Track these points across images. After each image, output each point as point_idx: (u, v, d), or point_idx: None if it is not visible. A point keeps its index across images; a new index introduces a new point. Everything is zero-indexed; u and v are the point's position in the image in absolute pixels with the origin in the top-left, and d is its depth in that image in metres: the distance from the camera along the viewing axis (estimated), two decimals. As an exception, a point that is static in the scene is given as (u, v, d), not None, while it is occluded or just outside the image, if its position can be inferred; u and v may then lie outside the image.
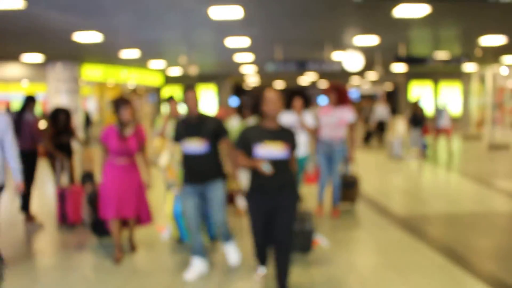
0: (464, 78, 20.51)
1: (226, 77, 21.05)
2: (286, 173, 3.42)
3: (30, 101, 5.99)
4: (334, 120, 5.79)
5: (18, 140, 5.60)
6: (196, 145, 3.78)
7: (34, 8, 7.01)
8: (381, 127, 14.33)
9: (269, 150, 3.32)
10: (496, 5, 6.96)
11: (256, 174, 3.36)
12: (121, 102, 4.30)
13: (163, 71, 18.77)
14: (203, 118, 3.88)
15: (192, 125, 3.85)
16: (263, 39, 10.61)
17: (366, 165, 10.17)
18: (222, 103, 20.83)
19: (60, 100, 14.02)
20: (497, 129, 15.98)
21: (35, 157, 5.88)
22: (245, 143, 3.39)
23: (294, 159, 3.55)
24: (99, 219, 4.59)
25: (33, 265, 4.58)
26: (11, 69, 14.48)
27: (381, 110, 14.09)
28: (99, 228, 4.82)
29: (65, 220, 5.53)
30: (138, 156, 4.51)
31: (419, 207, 6.82)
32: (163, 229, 4.81)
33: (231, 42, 10.89)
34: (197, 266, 3.96)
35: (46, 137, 5.90)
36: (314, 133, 5.57)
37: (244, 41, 10.81)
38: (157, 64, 15.86)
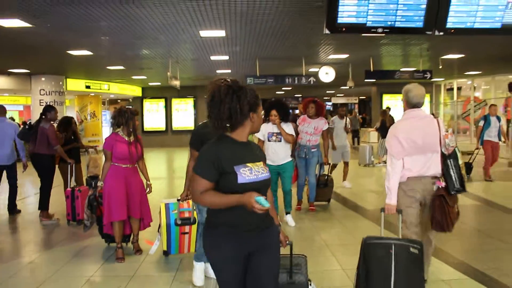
0: (432, 90, 21.79)
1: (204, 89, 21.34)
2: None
3: (48, 110, 6.49)
4: (311, 129, 6.69)
5: (36, 145, 6.30)
6: None
7: (39, 28, 7.71)
8: None
9: (255, 174, 2.23)
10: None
11: (225, 209, 2.20)
12: (130, 112, 4.73)
13: (143, 83, 19.43)
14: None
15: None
16: (243, 55, 11.53)
17: (339, 170, 11.06)
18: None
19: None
20: (459, 137, 17.22)
21: (53, 162, 6.47)
22: (215, 167, 2.18)
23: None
24: (102, 224, 4.83)
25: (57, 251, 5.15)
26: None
27: None
28: (108, 234, 5.00)
29: (74, 217, 6.22)
30: (139, 162, 4.90)
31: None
32: (152, 243, 4.78)
33: (214, 58, 11.80)
34: (201, 270, 4.11)
35: (60, 143, 6.51)
36: (293, 141, 6.34)
37: (225, 57, 11.72)
38: (139, 77, 16.61)
